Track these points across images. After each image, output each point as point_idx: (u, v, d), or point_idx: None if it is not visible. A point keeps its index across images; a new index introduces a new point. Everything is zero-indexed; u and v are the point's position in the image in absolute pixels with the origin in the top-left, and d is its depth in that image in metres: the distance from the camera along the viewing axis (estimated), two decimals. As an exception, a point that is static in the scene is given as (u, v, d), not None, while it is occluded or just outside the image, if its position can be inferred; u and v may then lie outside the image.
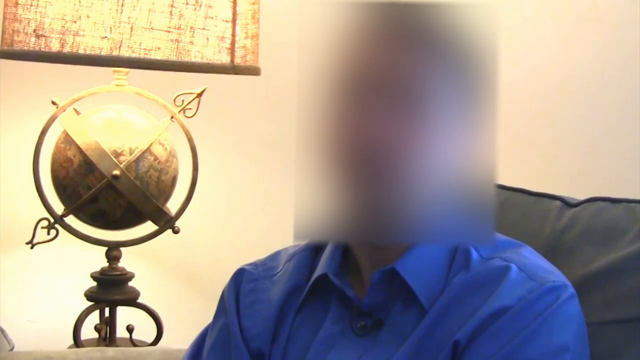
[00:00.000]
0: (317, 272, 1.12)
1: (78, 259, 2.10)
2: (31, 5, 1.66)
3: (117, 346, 1.89)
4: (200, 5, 1.67)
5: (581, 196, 1.33)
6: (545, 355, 0.99)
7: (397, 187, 0.96)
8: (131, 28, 1.64)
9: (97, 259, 1.93)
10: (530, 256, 1.08)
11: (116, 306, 1.93)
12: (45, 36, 1.65)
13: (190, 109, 1.85)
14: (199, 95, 1.85)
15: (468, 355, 1.00)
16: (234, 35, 1.71)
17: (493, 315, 1.00)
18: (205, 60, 1.68)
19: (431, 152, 0.95)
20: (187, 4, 1.66)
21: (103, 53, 1.64)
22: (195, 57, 1.67)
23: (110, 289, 1.91)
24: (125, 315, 1.94)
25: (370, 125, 0.95)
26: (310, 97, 0.97)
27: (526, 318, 0.99)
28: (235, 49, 1.71)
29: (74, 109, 1.83)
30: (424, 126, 0.95)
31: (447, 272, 1.06)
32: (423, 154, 0.95)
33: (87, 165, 1.78)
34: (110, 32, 1.64)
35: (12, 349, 1.64)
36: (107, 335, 1.93)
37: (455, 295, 1.03)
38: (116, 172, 1.77)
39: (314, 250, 1.17)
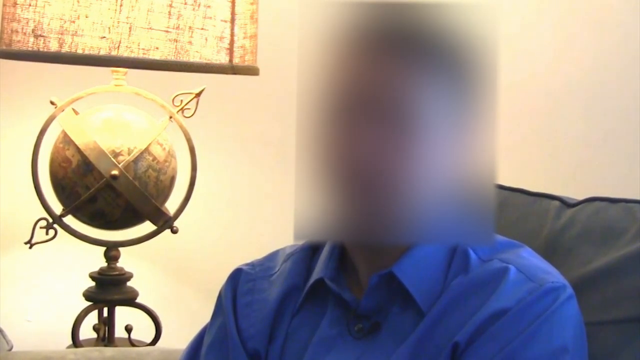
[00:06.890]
0: (315, 275, 1.12)
1: (76, 258, 2.10)
2: (30, 5, 1.66)
3: (115, 346, 1.89)
4: (199, 5, 1.67)
5: (580, 196, 1.33)
6: (545, 357, 0.99)
7: (391, 194, 0.96)
8: (130, 28, 1.64)
9: (96, 258, 1.93)
10: (529, 257, 1.08)
11: (115, 306, 1.93)
12: (43, 36, 1.65)
13: (188, 108, 1.85)
14: (198, 95, 1.85)
15: (467, 357, 1.00)
16: (232, 35, 1.71)
17: (492, 317, 1.00)
18: (203, 60, 1.68)
19: (424, 160, 0.96)
20: (185, 4, 1.66)
21: (101, 53, 1.64)
22: (193, 57, 1.67)
23: (109, 289, 1.91)
24: (123, 315, 1.94)
25: (361, 140, 0.96)
26: (307, 106, 0.97)
27: (525, 319, 1.00)
28: (234, 49, 1.71)
29: (73, 109, 1.83)
30: (415, 136, 0.95)
31: (445, 274, 1.06)
32: (415, 163, 0.95)
33: (85, 165, 1.78)
34: (109, 32, 1.64)
35: (10, 349, 1.64)
36: (105, 335, 1.93)
37: (454, 298, 1.03)
38: (115, 172, 1.77)
39: (311, 251, 1.16)
